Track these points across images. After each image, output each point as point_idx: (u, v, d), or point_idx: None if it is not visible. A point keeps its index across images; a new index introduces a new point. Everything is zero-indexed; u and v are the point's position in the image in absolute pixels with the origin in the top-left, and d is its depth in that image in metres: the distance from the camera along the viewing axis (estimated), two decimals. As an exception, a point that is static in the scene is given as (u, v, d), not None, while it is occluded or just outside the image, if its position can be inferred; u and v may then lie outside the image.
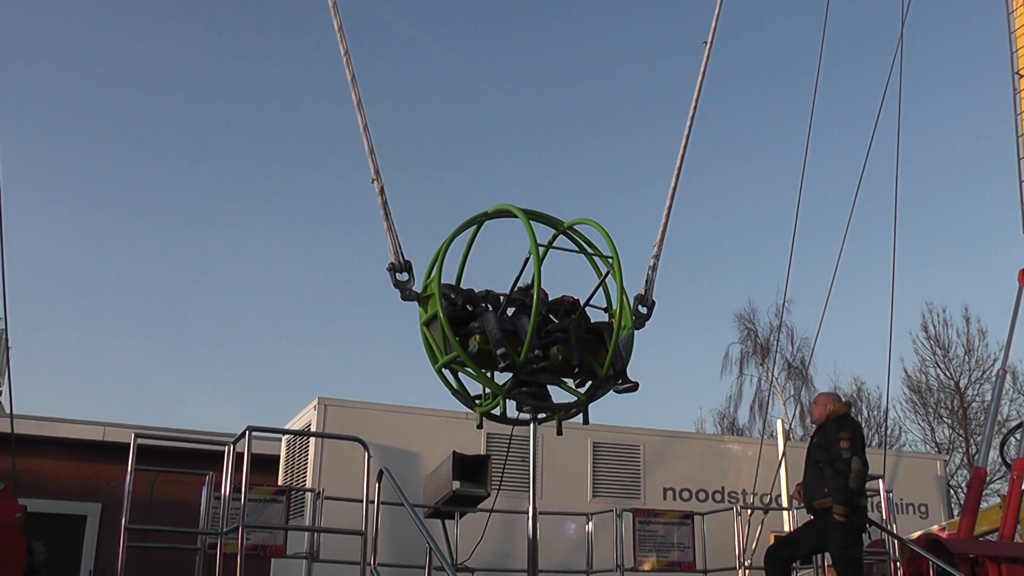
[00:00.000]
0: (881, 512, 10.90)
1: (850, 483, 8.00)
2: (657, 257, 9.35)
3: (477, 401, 8.63)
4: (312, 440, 11.87)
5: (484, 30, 52.51)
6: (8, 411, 10.95)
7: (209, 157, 47.43)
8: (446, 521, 9.88)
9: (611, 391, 8.55)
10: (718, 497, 13.60)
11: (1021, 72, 11.96)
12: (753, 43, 48.34)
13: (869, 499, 8.90)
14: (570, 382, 8.52)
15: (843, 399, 8.89)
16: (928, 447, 30.14)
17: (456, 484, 9.14)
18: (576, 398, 8.45)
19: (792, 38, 48.16)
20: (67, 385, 43.13)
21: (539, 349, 8.18)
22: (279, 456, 13.25)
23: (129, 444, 7.66)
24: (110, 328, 46.01)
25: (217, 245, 48.33)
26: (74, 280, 46.52)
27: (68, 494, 16.29)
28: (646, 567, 10.14)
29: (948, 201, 46.42)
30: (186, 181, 46.71)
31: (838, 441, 8.19)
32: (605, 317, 8.94)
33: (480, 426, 8.66)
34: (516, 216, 8.20)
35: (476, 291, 8.70)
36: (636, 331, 8.80)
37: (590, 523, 10.58)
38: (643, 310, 9.03)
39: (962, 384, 30.16)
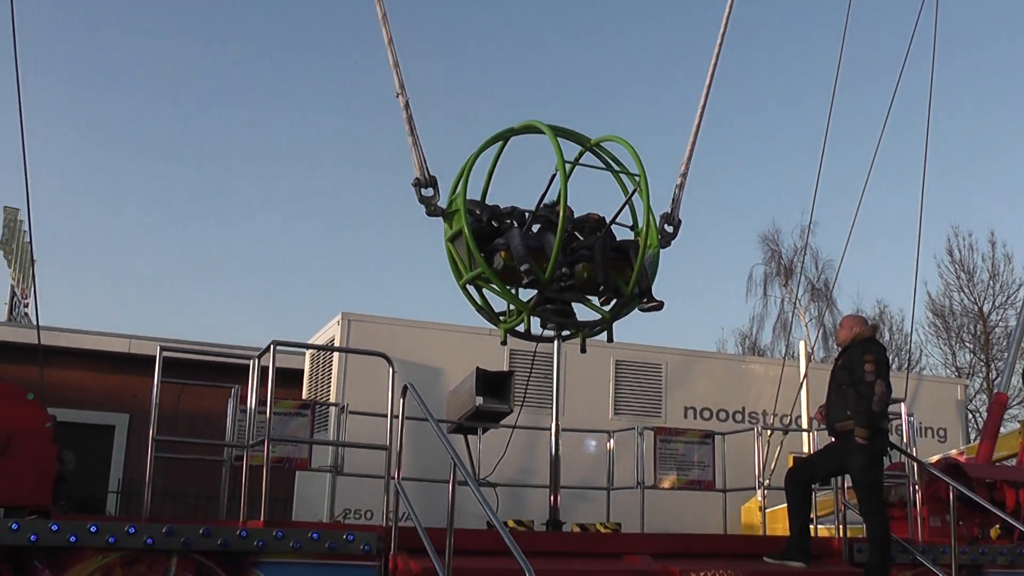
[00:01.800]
0: (902, 435, 10.92)
1: (873, 406, 7.97)
2: (684, 175, 9.26)
3: (501, 318, 8.64)
4: (336, 355, 11.94)
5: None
6: (34, 322, 11.05)
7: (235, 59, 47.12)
8: (469, 437, 9.97)
9: (636, 309, 8.53)
10: (738, 417, 13.66)
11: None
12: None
13: (890, 422, 8.90)
14: (595, 300, 8.50)
15: (869, 322, 8.83)
16: (949, 371, 30.11)
17: (479, 400, 9.19)
18: (600, 316, 8.44)
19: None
20: (94, 297, 43.55)
21: (564, 266, 8.15)
22: (303, 370, 13.35)
23: (155, 356, 7.70)
24: (136, 241, 46.27)
25: (241, 160, 48.30)
26: (99, 193, 46.68)
27: (96, 404, 16.55)
28: (666, 485, 10.21)
29: (977, 123, 45.74)
30: (209, 93, 46.52)
31: (863, 364, 8.14)
32: (631, 235, 8.89)
33: (504, 342, 8.68)
34: (543, 132, 8.11)
35: (502, 207, 8.65)
36: (662, 249, 8.76)
37: (611, 440, 10.64)
38: (669, 229, 8.97)
39: (985, 309, 29.99)
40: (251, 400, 7.69)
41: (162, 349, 7.67)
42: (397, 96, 8.43)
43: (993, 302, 29.91)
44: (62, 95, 42.86)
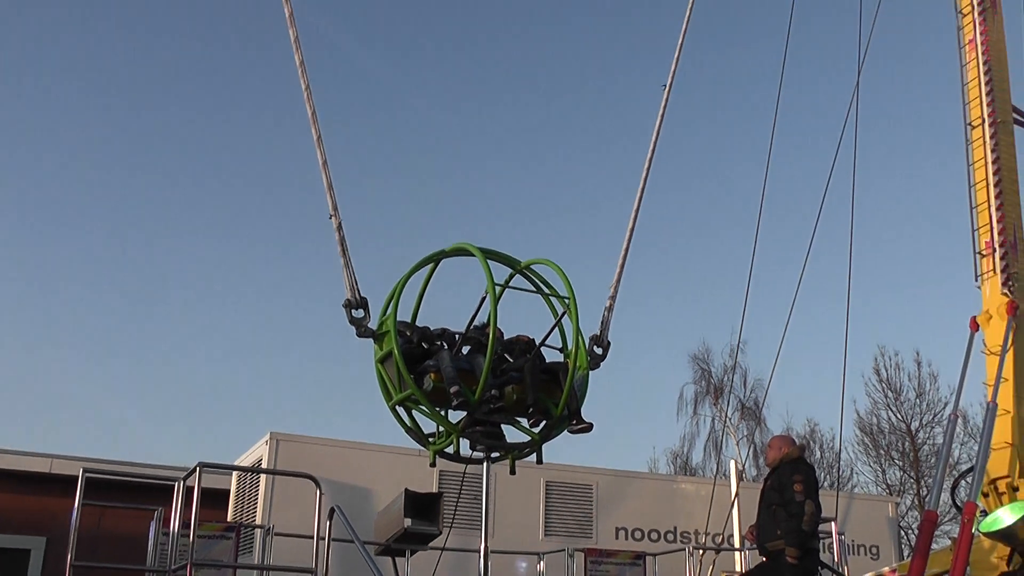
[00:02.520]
0: (833, 554, 10.95)
1: (803, 526, 8.03)
2: (613, 298, 9.37)
3: (431, 439, 8.58)
4: (263, 475, 11.75)
5: (441, 57, 52.79)
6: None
7: (162, 186, 47.12)
8: (397, 559, 9.80)
9: (565, 431, 8.54)
10: (670, 537, 13.60)
11: (973, 123, 12.09)
12: (710, 82, 48.94)
13: (821, 541, 8.94)
14: (524, 422, 8.49)
15: (797, 442, 8.95)
16: (879, 489, 30.34)
17: (408, 521, 9.08)
18: (530, 438, 8.43)
19: (747, 85, 48.79)
20: (13, 416, 42.41)
21: (494, 388, 8.16)
22: (229, 490, 13.09)
23: (77, 477, 7.53)
24: (58, 357, 45.36)
25: (169, 274, 47.94)
26: (20, 311, 45.86)
27: (12, 527, 15.99)
28: (598, 608, 10.11)
29: (902, 247, 47.10)
30: (137, 214, 46.37)
31: (792, 484, 8.24)
32: (560, 357, 8.94)
33: (433, 464, 8.60)
34: (473, 255, 8.20)
35: (432, 329, 8.68)
36: (591, 371, 8.81)
37: (542, 562, 10.54)
38: (598, 350, 9.03)
39: (913, 427, 30.43)
40: (174, 523, 7.54)
41: (85, 471, 7.52)
42: (330, 217, 8.48)
43: (920, 420, 30.41)
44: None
